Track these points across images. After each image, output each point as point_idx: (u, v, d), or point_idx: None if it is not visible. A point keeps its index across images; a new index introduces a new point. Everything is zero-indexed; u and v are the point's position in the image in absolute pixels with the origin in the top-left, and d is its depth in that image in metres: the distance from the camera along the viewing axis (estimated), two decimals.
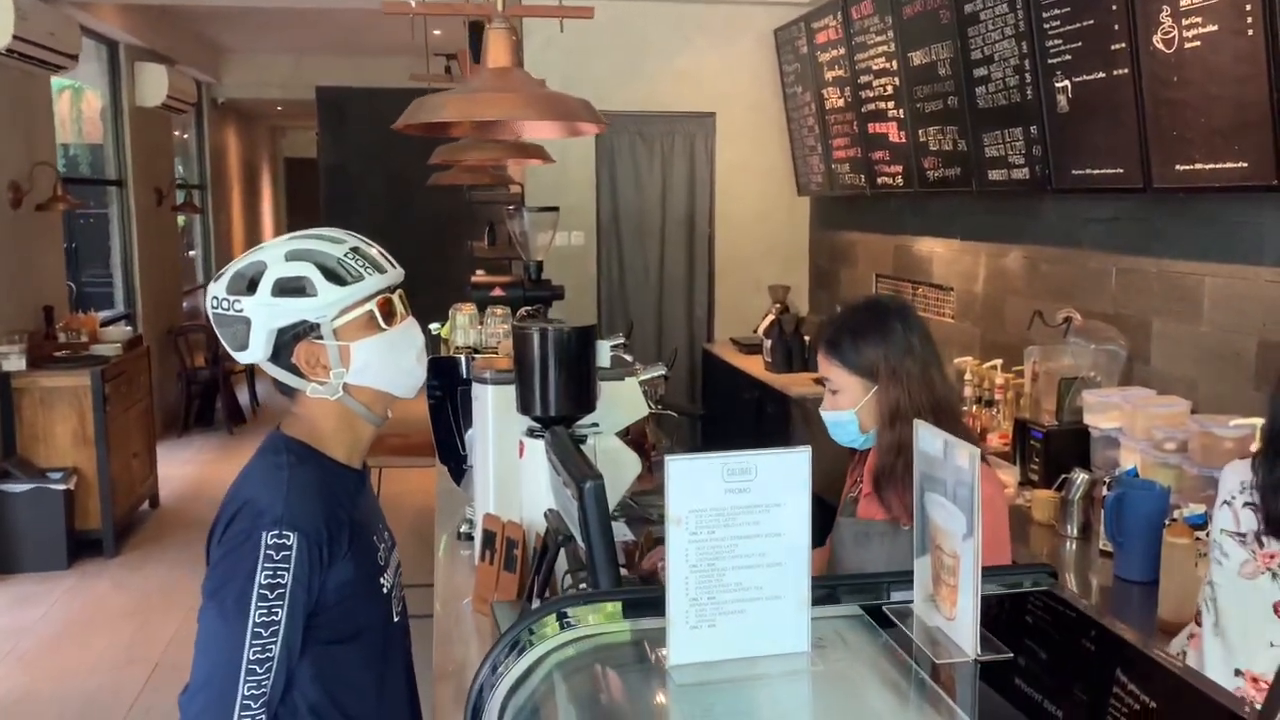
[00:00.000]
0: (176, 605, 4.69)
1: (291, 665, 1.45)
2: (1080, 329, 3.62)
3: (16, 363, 5.24)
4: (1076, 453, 3.22)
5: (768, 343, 5.49)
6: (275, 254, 1.51)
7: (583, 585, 1.73)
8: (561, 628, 1.17)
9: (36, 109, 5.97)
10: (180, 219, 9.43)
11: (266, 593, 1.40)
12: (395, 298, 1.58)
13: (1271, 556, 1.75)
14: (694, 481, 1.04)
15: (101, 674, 4.16)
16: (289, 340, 1.51)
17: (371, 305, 1.53)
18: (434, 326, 3.45)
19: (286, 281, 1.48)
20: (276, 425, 1.60)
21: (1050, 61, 3.50)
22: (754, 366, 5.59)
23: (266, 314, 1.49)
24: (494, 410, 2.36)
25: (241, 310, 1.49)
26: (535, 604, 1.82)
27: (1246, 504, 1.78)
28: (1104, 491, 2.81)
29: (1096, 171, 3.40)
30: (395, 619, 1.65)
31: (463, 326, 3.12)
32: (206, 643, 1.42)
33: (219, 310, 1.51)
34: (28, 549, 5.19)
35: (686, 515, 1.04)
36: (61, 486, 5.21)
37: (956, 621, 1.09)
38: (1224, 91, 2.75)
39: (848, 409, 1.85)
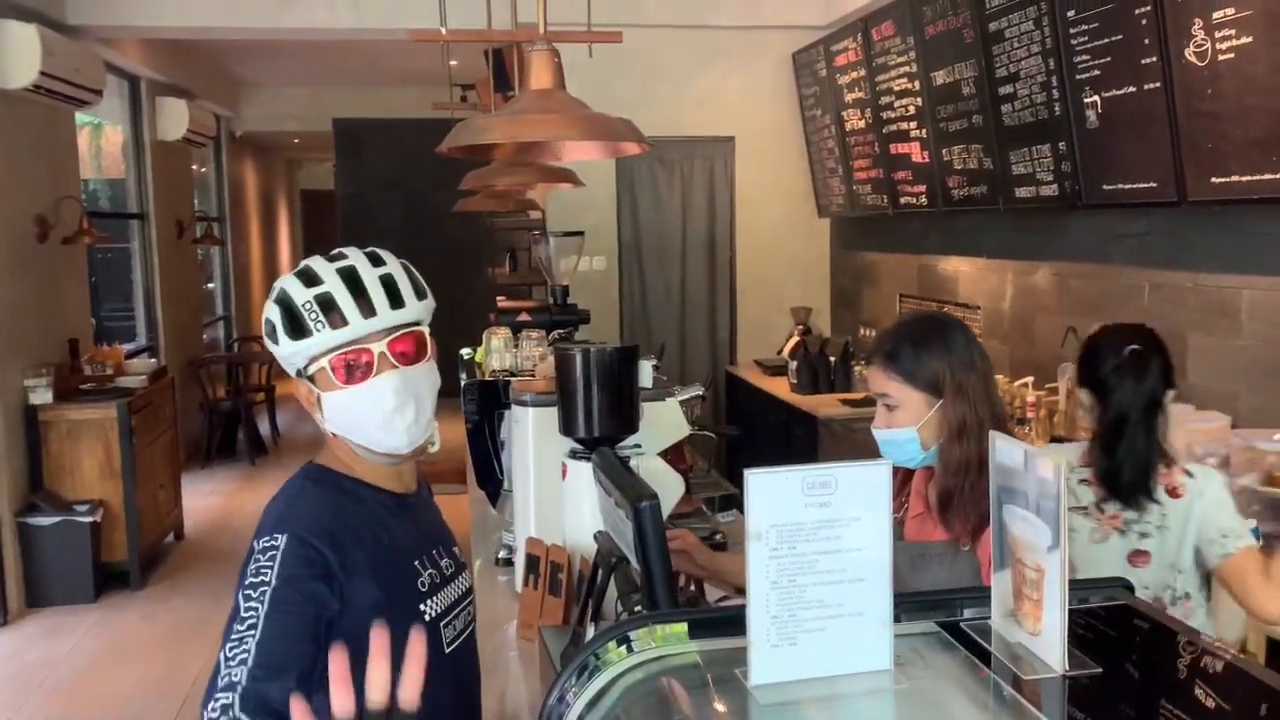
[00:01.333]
0: (204, 638, 4.67)
1: (286, 676, 1.30)
2: None
3: (44, 395, 5.26)
4: None
5: (793, 364, 5.47)
6: (276, 288, 1.48)
7: (637, 608, 1.71)
8: (628, 651, 1.15)
9: (61, 144, 6.03)
10: (199, 251, 9.49)
11: (250, 592, 1.35)
12: (376, 349, 1.43)
13: (1115, 518, 2.16)
14: (773, 495, 1.02)
15: (134, 706, 4.14)
16: (296, 373, 1.50)
17: (325, 361, 1.44)
18: (465, 351, 3.45)
19: (267, 323, 1.47)
20: (311, 459, 1.58)
21: (1079, 77, 3.50)
22: (779, 388, 5.56)
23: (267, 346, 1.50)
24: (534, 432, 2.35)
25: None
26: (591, 628, 1.79)
27: (1081, 480, 2.20)
28: None
29: (1128, 186, 3.38)
30: (447, 649, 1.56)
31: (497, 350, 3.12)
32: None
33: None
34: (55, 582, 5.19)
35: (767, 530, 1.02)
36: (88, 519, 5.21)
37: (1041, 637, 1.06)
38: (1261, 102, 2.74)
39: (908, 425, 1.78)
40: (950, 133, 4.49)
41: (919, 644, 1.14)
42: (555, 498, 2.26)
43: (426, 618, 1.51)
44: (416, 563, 1.53)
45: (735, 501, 2.91)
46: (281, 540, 1.38)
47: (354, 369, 1.44)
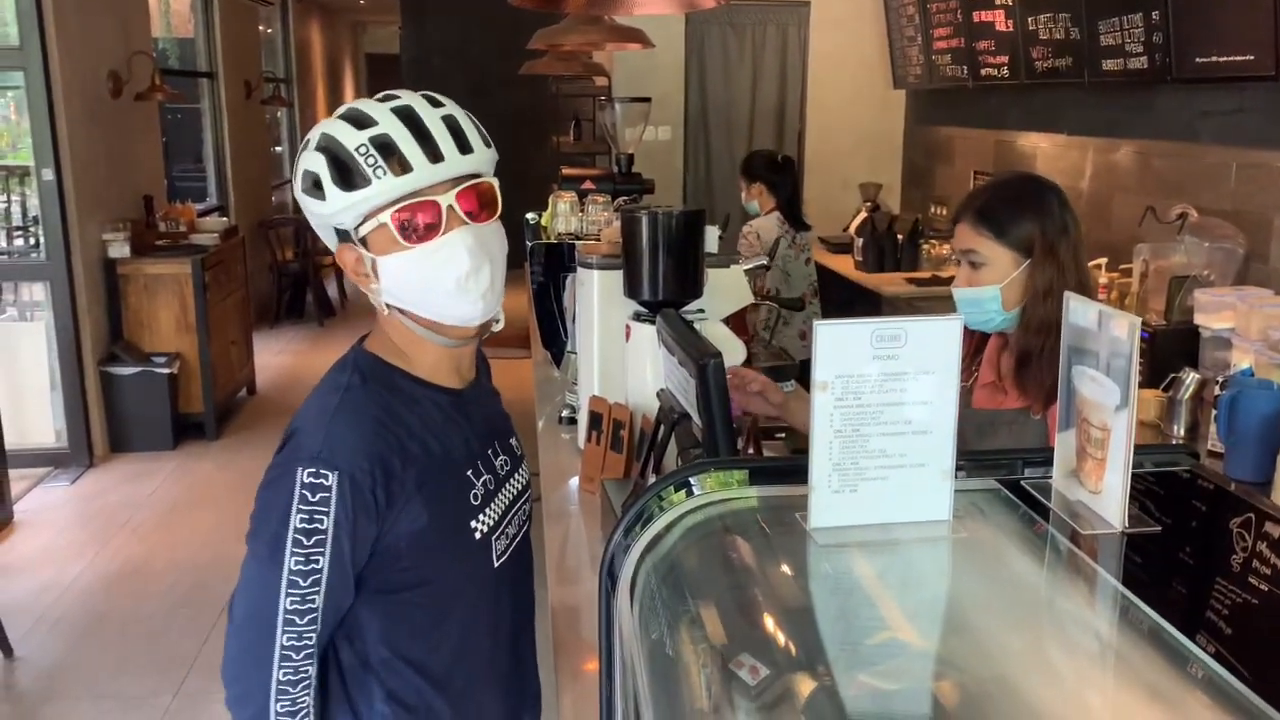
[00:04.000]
0: None
1: (341, 613, 1.31)
2: (1195, 226, 3.48)
3: (121, 249, 5.40)
4: (1184, 353, 3.13)
5: (859, 241, 5.40)
6: (315, 135, 1.27)
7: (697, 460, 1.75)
8: (687, 495, 1.18)
9: None
10: (267, 114, 9.51)
11: (303, 538, 1.23)
12: (444, 201, 1.25)
13: (801, 245, 4.40)
14: (841, 346, 1.03)
15: (212, 547, 4.36)
16: (340, 237, 1.30)
17: (385, 217, 1.24)
18: (531, 215, 3.45)
19: (307, 175, 1.26)
20: (363, 336, 1.41)
21: None
22: (844, 266, 5.50)
23: (305, 209, 1.30)
24: (599, 295, 2.37)
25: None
26: (652, 480, 1.84)
27: (785, 232, 3.92)
28: (1216, 391, 2.74)
29: (1223, 59, 3.22)
30: (496, 563, 1.43)
31: (563, 214, 3.12)
32: (243, 586, 1.29)
33: None
34: (136, 429, 5.43)
35: (833, 380, 1.03)
36: (166, 370, 5.41)
37: (1103, 495, 1.07)
38: None
39: (994, 284, 1.74)
40: (1037, 0, 4.29)
41: (979, 499, 1.16)
42: (618, 359, 2.29)
43: (476, 535, 1.39)
44: (470, 472, 1.39)
45: (793, 372, 2.93)
46: (332, 479, 1.24)
47: (419, 225, 1.25)
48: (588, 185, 3.98)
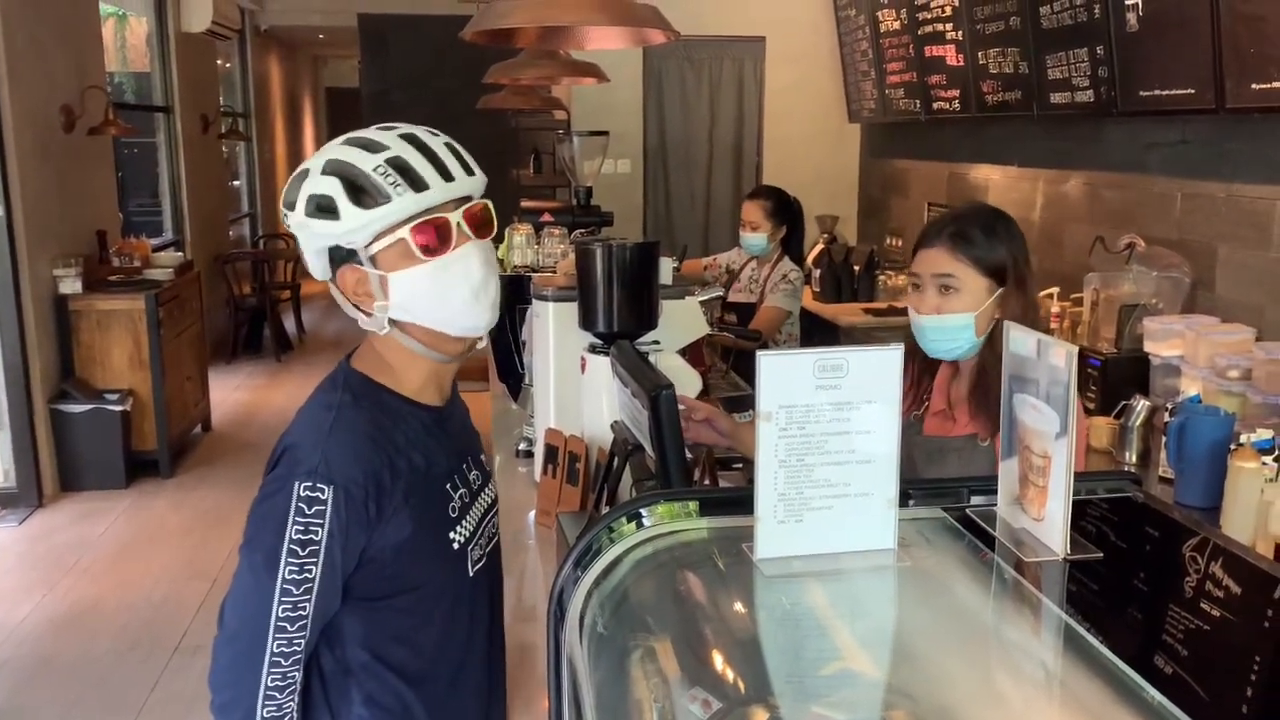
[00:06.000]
0: (232, 524, 4.76)
1: (326, 619, 1.36)
2: (1143, 255, 3.55)
3: (73, 285, 5.32)
4: (1135, 381, 3.18)
5: (816, 272, 5.45)
6: (318, 162, 1.33)
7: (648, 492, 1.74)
8: (637, 527, 1.18)
9: (86, 32, 5.97)
10: (224, 148, 9.45)
11: (297, 549, 1.29)
12: (453, 219, 1.32)
13: None
14: (784, 377, 1.04)
15: (165, 586, 4.28)
16: (338, 262, 1.34)
17: (404, 232, 1.30)
18: None
19: (317, 199, 1.30)
20: (348, 354, 1.45)
21: None
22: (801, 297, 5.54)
23: (306, 234, 1.33)
24: (555, 327, 2.37)
25: (289, 226, 1.35)
26: (604, 511, 1.83)
27: None
28: (1165, 418, 2.78)
29: (1166, 93, 3.30)
30: (472, 572, 1.48)
31: (519, 246, 3.13)
32: (237, 595, 1.34)
33: (286, 224, 1.37)
34: (88, 468, 5.32)
35: (776, 410, 1.04)
36: (119, 408, 5.32)
37: (1045, 522, 1.08)
38: None
39: (966, 311, 1.72)
40: (986, 35, 4.38)
41: (925, 528, 1.16)
42: (574, 391, 2.29)
43: (455, 545, 1.44)
44: (448, 485, 1.45)
45: (751, 403, 2.95)
46: (327, 493, 1.29)
47: (435, 240, 1.31)
48: (546, 218, 3.99)
